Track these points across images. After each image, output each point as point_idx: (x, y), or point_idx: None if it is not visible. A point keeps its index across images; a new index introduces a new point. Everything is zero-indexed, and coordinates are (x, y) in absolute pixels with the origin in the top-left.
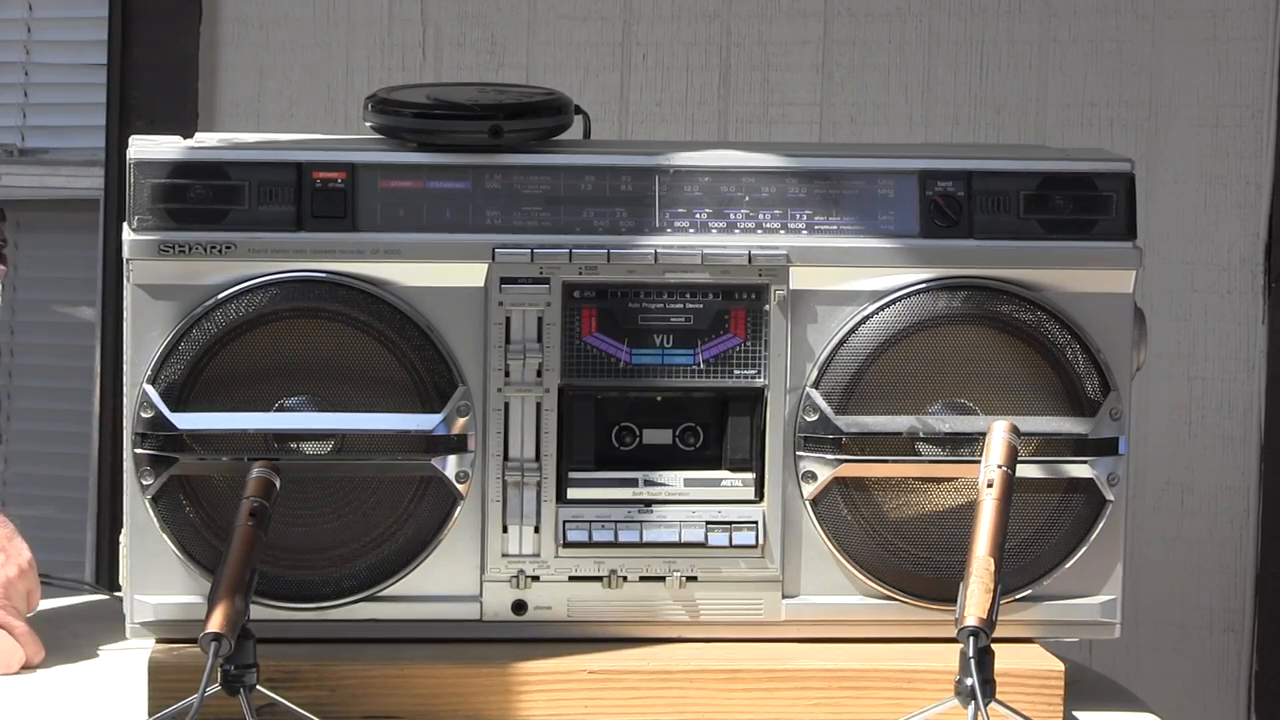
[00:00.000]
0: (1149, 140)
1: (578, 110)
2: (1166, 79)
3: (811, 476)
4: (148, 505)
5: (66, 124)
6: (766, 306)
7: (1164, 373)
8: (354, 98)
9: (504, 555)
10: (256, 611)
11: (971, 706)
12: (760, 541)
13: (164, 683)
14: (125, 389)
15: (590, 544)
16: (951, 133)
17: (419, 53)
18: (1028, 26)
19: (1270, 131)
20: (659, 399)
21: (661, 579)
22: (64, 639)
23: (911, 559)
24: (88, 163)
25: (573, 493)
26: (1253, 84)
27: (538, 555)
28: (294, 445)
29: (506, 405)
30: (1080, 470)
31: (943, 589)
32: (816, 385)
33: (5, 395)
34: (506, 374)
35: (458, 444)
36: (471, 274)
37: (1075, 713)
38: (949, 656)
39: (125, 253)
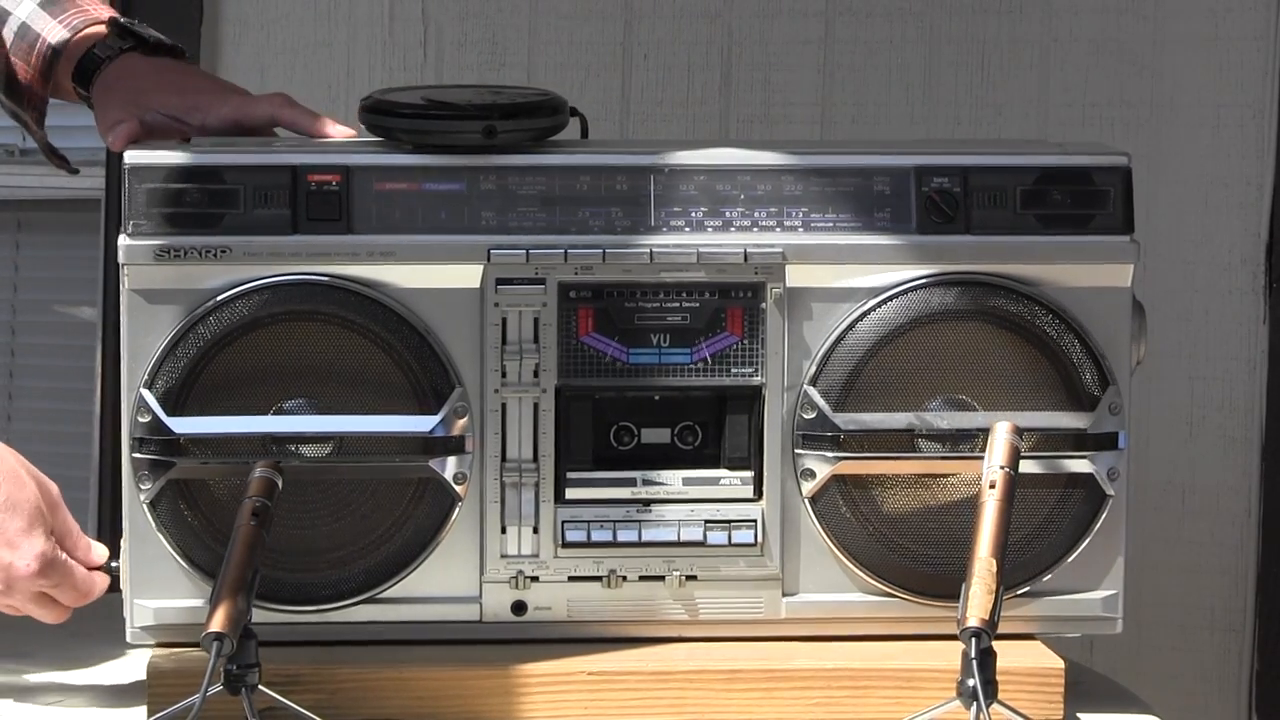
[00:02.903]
0: (1150, 140)
1: (573, 112)
2: (1168, 79)
3: (810, 474)
4: (146, 510)
5: (68, 124)
6: (763, 304)
7: (1165, 373)
8: (354, 98)
9: (503, 556)
10: (256, 615)
11: (974, 708)
12: (759, 540)
13: (163, 687)
14: (123, 394)
15: (589, 544)
16: (953, 132)
17: (420, 53)
18: (1029, 26)
19: (1271, 131)
20: (657, 398)
21: (661, 578)
22: (64, 639)
23: (911, 555)
24: (89, 163)
25: (571, 493)
26: (1253, 84)
27: (536, 556)
28: (292, 448)
29: (504, 406)
30: (1080, 465)
31: (943, 585)
32: (814, 383)
33: (6, 395)
34: (503, 375)
35: (455, 445)
36: (467, 275)
37: (1077, 713)
38: (950, 655)
39: (121, 258)
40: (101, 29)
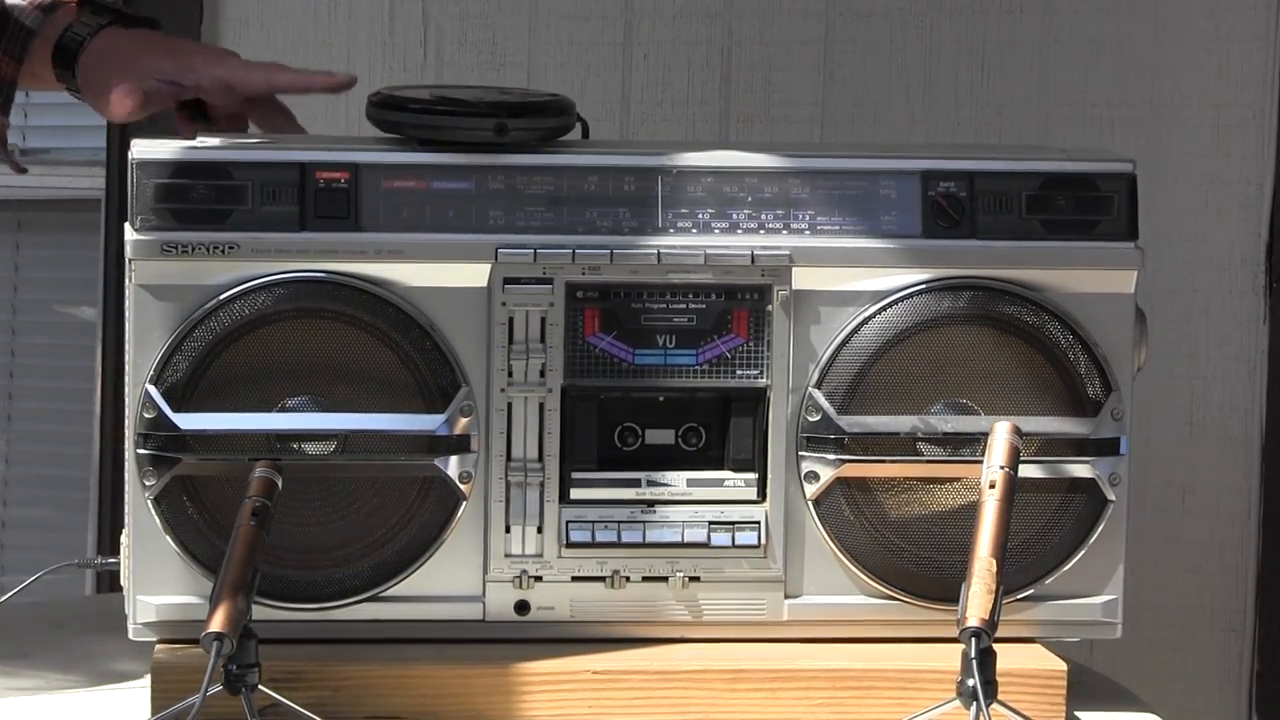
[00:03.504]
0: (1150, 140)
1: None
2: (1168, 79)
3: (814, 476)
4: (150, 506)
5: (67, 124)
6: (769, 307)
7: (1165, 373)
8: (355, 98)
9: (507, 555)
10: (259, 612)
11: (974, 707)
12: (763, 541)
13: (167, 683)
14: (127, 390)
15: (593, 544)
16: (953, 133)
17: (420, 52)
18: (1029, 26)
19: (1271, 131)
20: (662, 399)
21: (664, 579)
22: (64, 639)
23: (914, 559)
24: (89, 163)
25: (575, 493)
26: (1253, 84)
27: (540, 555)
28: (296, 445)
29: (509, 405)
30: (1082, 470)
31: (945, 589)
32: (819, 385)
33: (6, 395)
34: (509, 374)
35: (460, 444)
36: (474, 274)
37: (1076, 713)
38: (951, 656)
39: (128, 253)
40: (73, 7)
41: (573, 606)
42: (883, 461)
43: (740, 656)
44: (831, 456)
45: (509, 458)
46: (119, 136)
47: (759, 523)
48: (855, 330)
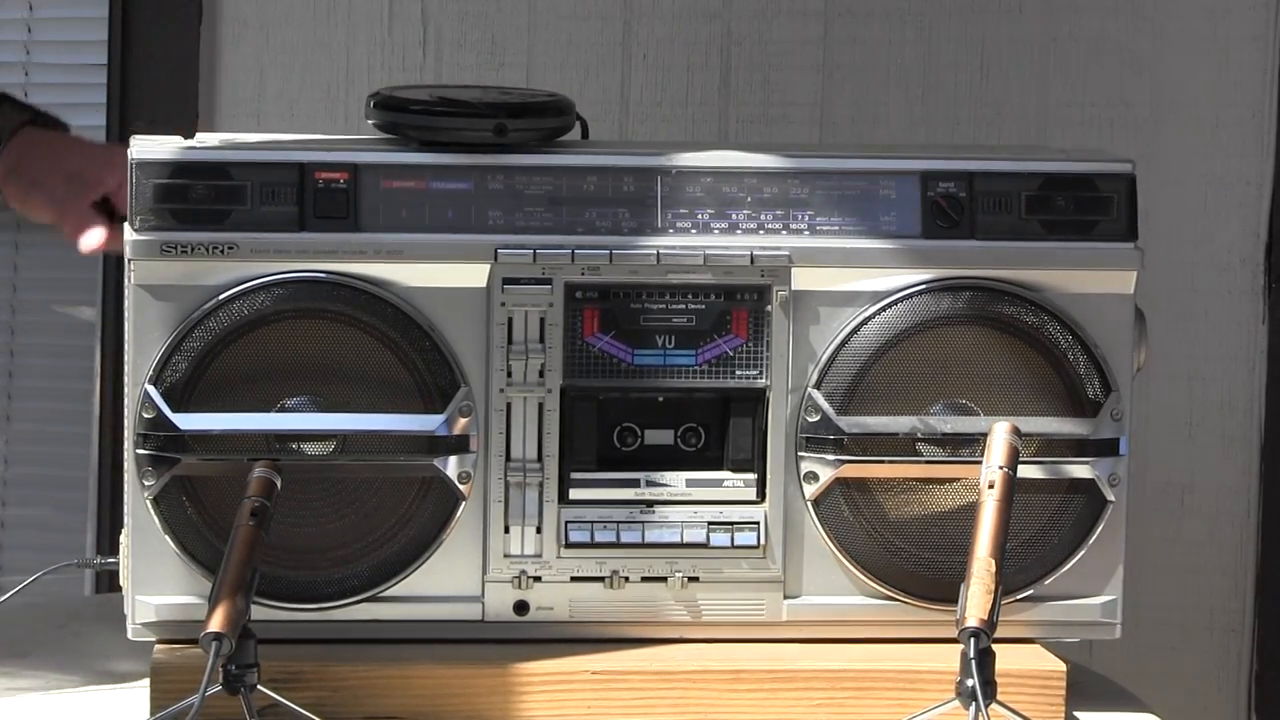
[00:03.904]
0: (1149, 140)
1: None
2: (1167, 79)
3: (813, 477)
4: (149, 506)
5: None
6: (768, 307)
7: (1164, 373)
8: (354, 98)
9: (506, 556)
10: (258, 612)
11: (973, 708)
12: (762, 542)
13: (166, 683)
14: (126, 390)
15: (592, 544)
16: (952, 133)
17: (419, 53)
18: (1029, 26)
19: (1270, 131)
20: (661, 399)
21: (663, 579)
22: (64, 639)
23: (913, 559)
24: None
25: (574, 493)
26: (1253, 84)
27: (539, 556)
28: (295, 446)
29: (509, 406)
30: (1081, 471)
31: (944, 589)
32: (818, 386)
33: (6, 395)
34: (509, 374)
35: (459, 444)
36: (474, 274)
37: (1075, 713)
38: (951, 657)
39: (127, 253)
40: None
41: (572, 607)
42: (882, 462)
43: (739, 657)
44: (831, 457)
45: (508, 458)
46: (118, 137)
47: (758, 523)
48: (855, 331)
